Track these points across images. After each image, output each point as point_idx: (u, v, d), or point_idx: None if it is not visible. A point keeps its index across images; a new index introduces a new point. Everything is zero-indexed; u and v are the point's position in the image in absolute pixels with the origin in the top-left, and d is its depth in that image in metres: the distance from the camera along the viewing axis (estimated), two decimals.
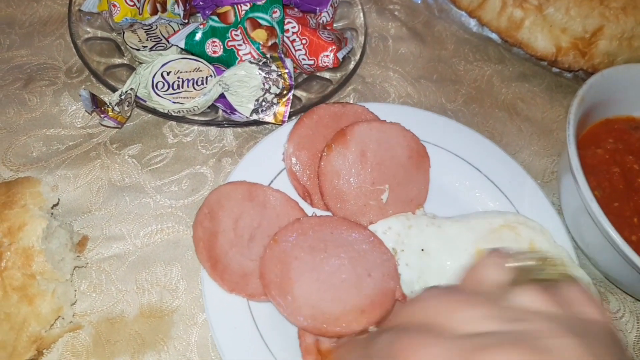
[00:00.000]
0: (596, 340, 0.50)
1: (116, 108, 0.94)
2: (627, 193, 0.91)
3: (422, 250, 0.89)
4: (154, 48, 1.07)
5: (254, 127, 1.07)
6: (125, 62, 1.10)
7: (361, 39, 1.21)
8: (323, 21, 1.20)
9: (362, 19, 1.24)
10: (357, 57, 1.18)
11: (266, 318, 0.83)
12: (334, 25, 1.25)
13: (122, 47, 1.12)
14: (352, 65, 1.16)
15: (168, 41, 1.07)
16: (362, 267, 0.85)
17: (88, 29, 1.12)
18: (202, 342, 0.83)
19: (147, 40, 1.09)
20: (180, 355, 0.81)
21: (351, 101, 1.17)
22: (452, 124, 1.06)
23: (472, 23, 1.32)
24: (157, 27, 1.11)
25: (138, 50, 1.07)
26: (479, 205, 0.98)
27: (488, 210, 0.95)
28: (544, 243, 0.88)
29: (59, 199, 0.90)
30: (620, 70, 0.99)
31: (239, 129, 1.07)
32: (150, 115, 1.06)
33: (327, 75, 1.15)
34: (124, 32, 1.09)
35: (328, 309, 0.80)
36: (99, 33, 1.13)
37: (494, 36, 1.29)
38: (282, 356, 0.79)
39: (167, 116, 1.01)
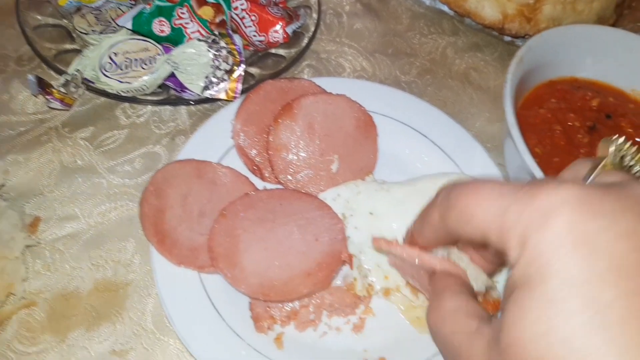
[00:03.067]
0: None
1: (62, 89, 0.95)
2: (568, 149, 0.94)
3: (371, 213, 0.91)
4: (103, 32, 1.08)
5: (207, 105, 1.09)
6: (77, 47, 1.11)
7: (315, 15, 1.23)
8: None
9: None
10: (311, 33, 1.19)
11: (218, 289, 0.84)
12: (287, 3, 1.26)
13: (73, 34, 1.13)
14: (305, 41, 1.18)
15: (117, 23, 1.07)
16: (310, 233, 0.87)
17: (38, 17, 1.13)
18: (157, 311, 0.85)
19: (96, 24, 1.10)
20: (135, 324, 0.83)
21: (306, 77, 1.18)
22: (399, 93, 1.08)
23: None
24: (106, 11, 1.12)
25: (87, 34, 1.07)
26: (427, 170, 1.00)
27: (435, 173, 0.97)
28: None
29: (6, 179, 0.91)
30: (560, 32, 1.01)
31: (192, 108, 1.08)
32: (102, 98, 1.07)
33: (281, 51, 1.17)
34: (73, 18, 1.10)
35: (275, 276, 0.82)
36: (50, 20, 1.14)
37: (446, 9, 1.31)
38: (236, 325, 0.81)
39: (118, 97, 1.02)
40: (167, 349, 0.82)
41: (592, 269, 0.39)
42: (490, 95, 1.21)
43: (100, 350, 0.80)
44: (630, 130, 0.98)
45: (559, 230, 0.40)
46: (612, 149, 0.53)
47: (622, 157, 0.53)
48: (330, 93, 1.01)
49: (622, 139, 0.53)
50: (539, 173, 0.81)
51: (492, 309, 0.81)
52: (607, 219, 0.40)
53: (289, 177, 0.95)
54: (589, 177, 0.51)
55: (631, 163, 0.53)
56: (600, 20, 1.22)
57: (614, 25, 1.26)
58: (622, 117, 0.99)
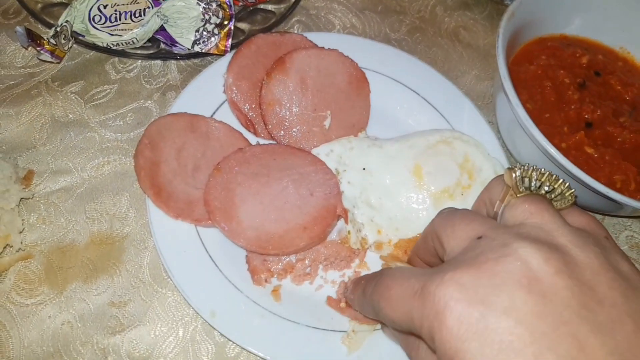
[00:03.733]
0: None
1: (52, 40, 0.94)
2: (558, 105, 0.96)
3: (364, 169, 0.93)
4: None
5: (197, 60, 1.08)
6: (63, 0, 1.08)
7: None
8: None
9: None
10: None
11: (216, 242, 0.86)
12: None
13: None
14: None
15: None
16: (304, 188, 0.88)
17: None
18: (154, 264, 0.86)
19: None
20: (133, 277, 0.84)
21: (296, 33, 1.17)
22: (391, 50, 1.08)
23: None
24: None
25: None
26: (419, 126, 1.01)
27: (426, 129, 0.98)
28: (477, 155, 0.92)
29: None
30: None
31: (182, 63, 1.07)
32: (92, 52, 1.06)
33: (270, 7, 1.16)
34: None
35: (272, 229, 0.83)
36: None
37: None
38: (234, 278, 0.83)
39: (107, 51, 1.01)
40: (165, 300, 0.83)
41: (489, 355, 0.46)
42: (479, 53, 1.22)
43: (99, 302, 0.82)
44: (619, 87, 1.00)
45: (452, 326, 0.48)
46: (515, 175, 0.60)
47: (530, 180, 0.60)
48: (323, 48, 1.00)
49: (525, 166, 0.61)
50: (532, 126, 0.83)
51: None
52: (485, 304, 0.48)
53: (282, 133, 0.96)
54: (500, 208, 0.60)
55: (538, 185, 0.60)
56: None
57: None
58: (611, 74, 1.01)
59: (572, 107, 0.96)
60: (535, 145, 0.85)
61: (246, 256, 0.85)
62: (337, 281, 0.86)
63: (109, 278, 0.84)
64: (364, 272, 0.87)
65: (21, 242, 0.83)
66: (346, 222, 0.88)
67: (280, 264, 0.85)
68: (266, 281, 0.83)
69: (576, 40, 1.08)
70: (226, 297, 0.80)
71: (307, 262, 0.85)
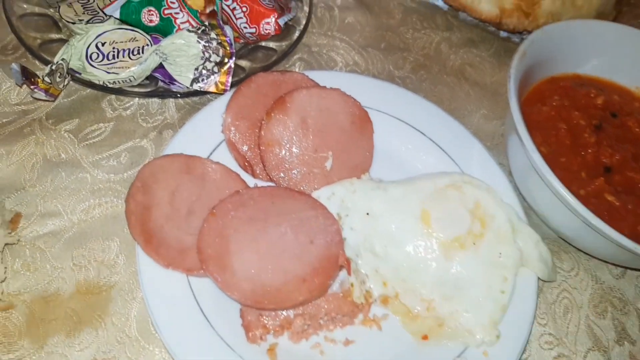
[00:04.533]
0: None
1: (47, 79, 0.91)
2: (574, 148, 0.91)
3: (367, 214, 0.87)
4: (90, 21, 1.03)
5: (196, 98, 1.05)
6: (63, 37, 1.06)
7: (306, 8, 1.19)
8: None
9: None
10: (302, 26, 1.16)
11: (208, 294, 0.80)
12: None
13: (60, 23, 1.08)
14: (297, 34, 1.14)
15: (104, 12, 1.03)
16: (304, 235, 0.83)
17: (24, 5, 1.08)
18: (142, 317, 0.80)
19: (83, 13, 1.04)
20: (119, 331, 0.79)
21: (298, 70, 1.14)
22: (395, 89, 1.05)
23: None
24: (94, 1, 1.07)
25: (74, 23, 1.02)
26: (425, 168, 0.97)
27: (434, 172, 0.94)
28: (489, 201, 0.87)
29: None
30: (561, 26, 0.98)
31: (180, 101, 1.04)
32: (88, 90, 1.03)
33: (271, 44, 1.13)
34: (59, 7, 1.05)
35: (268, 281, 0.78)
36: (36, 9, 1.09)
37: (440, 3, 1.28)
38: (226, 334, 0.77)
39: (104, 89, 0.98)
40: (152, 358, 0.77)
41: None
42: (487, 91, 1.18)
43: (82, 359, 0.76)
44: (637, 129, 0.95)
45: None
46: None
47: None
48: (324, 87, 0.97)
49: None
50: (549, 173, 0.78)
51: None
52: None
53: (282, 175, 0.91)
54: None
55: None
56: (600, 16, 1.19)
57: (613, 21, 1.23)
58: (628, 115, 0.97)
59: (589, 150, 0.91)
60: (553, 193, 0.80)
61: (240, 310, 0.80)
62: (336, 340, 0.80)
63: (93, 332, 0.78)
64: (368, 331, 0.81)
65: (2, 292, 0.78)
66: (349, 273, 0.82)
67: (277, 319, 0.79)
68: (261, 338, 0.77)
69: (590, 79, 1.04)
70: (218, 356, 0.74)
71: (306, 317, 0.79)
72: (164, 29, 1.01)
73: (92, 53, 0.97)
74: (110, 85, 0.96)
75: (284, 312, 0.79)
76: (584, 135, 0.93)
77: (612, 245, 0.76)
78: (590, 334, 0.89)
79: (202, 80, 0.98)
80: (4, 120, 0.97)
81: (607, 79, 1.04)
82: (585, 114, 0.95)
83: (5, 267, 0.81)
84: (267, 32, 1.06)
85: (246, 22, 1.06)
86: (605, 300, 0.93)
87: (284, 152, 0.91)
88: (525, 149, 0.81)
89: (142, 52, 0.98)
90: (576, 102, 0.98)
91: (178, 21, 1.01)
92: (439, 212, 0.87)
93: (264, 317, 0.78)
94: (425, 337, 0.81)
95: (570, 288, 0.93)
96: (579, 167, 0.90)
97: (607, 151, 0.90)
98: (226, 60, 0.98)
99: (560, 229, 0.92)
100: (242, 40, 1.11)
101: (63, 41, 1.05)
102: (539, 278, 0.86)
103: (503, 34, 1.22)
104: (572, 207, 0.77)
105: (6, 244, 0.82)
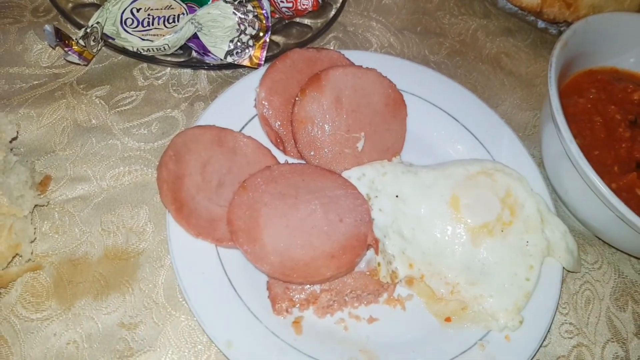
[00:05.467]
0: None
1: (81, 42, 0.90)
2: (608, 142, 0.90)
3: (397, 196, 0.87)
4: None
5: (228, 72, 1.04)
6: (95, 1, 1.05)
7: None
8: None
9: None
10: (339, 4, 1.14)
11: (236, 265, 0.80)
12: None
13: None
14: (333, 12, 1.13)
15: None
16: (334, 213, 0.82)
17: None
18: (170, 284, 0.81)
19: None
20: (146, 296, 0.79)
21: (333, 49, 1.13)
22: (431, 73, 1.03)
23: None
24: None
25: None
26: (456, 155, 0.96)
27: (465, 159, 0.93)
28: (520, 190, 0.86)
29: (17, 133, 0.86)
30: (605, 18, 0.96)
31: (213, 73, 1.03)
32: (120, 56, 1.02)
33: (307, 21, 1.12)
34: None
35: (297, 255, 0.78)
36: None
37: None
38: (253, 305, 0.77)
39: (137, 56, 0.97)
40: (178, 325, 0.78)
41: None
42: (522, 81, 1.16)
43: (108, 322, 0.76)
44: None
45: None
46: None
47: None
48: (360, 66, 0.96)
49: None
50: (584, 163, 0.77)
51: None
52: None
53: (313, 153, 0.91)
54: None
55: None
56: None
57: None
58: None
59: (623, 145, 0.90)
60: (586, 184, 0.79)
61: (267, 282, 0.80)
62: (362, 317, 0.80)
63: (120, 296, 0.79)
64: (392, 310, 0.81)
65: (31, 252, 0.78)
66: (376, 252, 0.82)
67: (303, 293, 0.79)
68: (287, 311, 0.77)
69: (628, 74, 1.02)
70: (244, 326, 0.75)
71: (332, 293, 0.79)
72: None
73: (127, 18, 0.96)
74: (144, 53, 0.95)
75: (311, 287, 0.79)
76: (619, 129, 0.92)
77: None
78: (610, 325, 0.89)
79: (237, 53, 0.97)
80: (35, 83, 0.97)
81: None
82: (621, 109, 0.94)
83: (35, 228, 0.81)
84: (304, 7, 1.05)
85: None
86: (627, 294, 0.93)
87: (316, 130, 0.91)
88: (562, 138, 0.80)
89: (178, 21, 0.97)
90: (613, 96, 0.96)
91: None
92: (469, 198, 0.86)
93: (291, 291, 0.79)
94: (448, 319, 0.81)
95: (593, 280, 0.93)
96: (612, 161, 0.89)
97: None
98: (262, 34, 0.97)
99: (589, 220, 0.91)
100: (277, 15, 1.10)
101: (96, 6, 1.04)
102: (563, 268, 0.86)
103: (541, 24, 1.20)
104: (605, 197, 0.77)
105: (36, 206, 0.82)
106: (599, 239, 0.96)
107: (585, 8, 1.10)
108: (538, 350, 0.79)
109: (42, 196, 0.84)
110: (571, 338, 0.87)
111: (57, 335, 0.74)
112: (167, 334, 0.77)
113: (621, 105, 0.94)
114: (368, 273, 0.82)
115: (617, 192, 0.85)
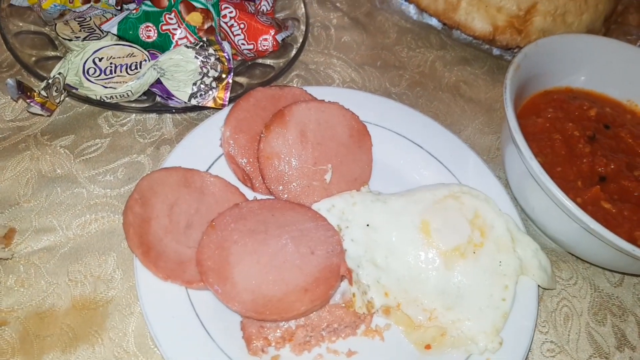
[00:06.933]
0: None
1: (43, 92, 0.90)
2: (570, 158, 0.92)
3: (368, 225, 0.87)
4: (87, 38, 1.03)
5: (193, 114, 1.05)
6: (59, 54, 1.06)
7: (303, 27, 1.20)
8: (263, 10, 1.18)
9: (303, 9, 1.24)
10: (299, 43, 1.17)
11: (208, 306, 0.79)
12: (275, 15, 1.24)
13: (56, 41, 1.08)
14: (294, 52, 1.15)
15: (101, 30, 1.03)
16: (305, 246, 0.82)
17: (20, 23, 1.08)
18: (140, 331, 0.79)
19: (80, 30, 1.05)
20: (116, 346, 0.77)
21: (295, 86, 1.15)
22: (393, 104, 1.06)
23: (412, 12, 1.33)
24: (90, 18, 1.07)
25: (71, 40, 1.03)
26: (423, 180, 0.97)
27: (432, 184, 0.94)
28: (488, 211, 0.87)
29: None
30: (554, 40, 1.00)
31: (178, 117, 1.04)
32: (85, 106, 1.02)
33: (269, 61, 1.14)
34: (55, 25, 1.05)
35: (270, 292, 0.76)
36: (32, 27, 1.09)
37: (434, 23, 1.30)
38: (227, 347, 0.75)
39: (101, 104, 0.97)
40: None
41: None
42: (482, 107, 1.20)
43: None
44: (630, 140, 0.96)
45: None
46: None
47: None
48: (323, 100, 0.97)
49: None
50: (547, 180, 0.79)
51: None
52: None
53: (281, 187, 0.91)
54: None
55: None
56: (590, 33, 1.22)
57: None
58: (621, 127, 0.98)
59: (584, 160, 0.92)
60: (552, 200, 0.81)
61: (241, 322, 0.78)
62: (340, 351, 0.78)
63: (89, 348, 0.76)
64: (370, 342, 0.80)
65: None
66: (350, 283, 0.81)
67: (278, 331, 0.78)
68: (263, 351, 0.76)
69: (582, 93, 1.06)
70: None
71: (308, 329, 0.78)
72: (162, 44, 1.01)
73: (89, 68, 0.96)
74: (107, 100, 0.96)
75: (286, 324, 0.78)
76: (579, 145, 0.94)
77: (610, 250, 0.77)
78: (591, 341, 0.89)
79: (200, 95, 0.98)
80: None
81: (598, 92, 1.06)
82: (579, 125, 0.97)
83: None
84: (265, 48, 1.07)
85: (244, 39, 1.07)
86: (605, 308, 0.93)
87: (283, 164, 0.91)
88: (523, 157, 0.81)
89: (140, 67, 0.98)
90: (570, 114, 0.99)
91: (176, 37, 1.01)
92: (438, 222, 0.87)
93: (266, 329, 0.77)
94: (428, 347, 0.80)
95: (570, 296, 0.93)
96: (575, 176, 0.91)
97: (602, 161, 0.91)
98: (224, 75, 0.99)
99: (558, 236, 0.92)
100: (239, 58, 1.12)
101: (59, 58, 1.05)
102: (539, 286, 0.86)
103: (496, 51, 1.24)
104: (571, 212, 0.78)
105: (0, 259, 0.80)
106: (572, 254, 0.97)
107: (536, 33, 1.14)
108: None
109: (6, 249, 0.82)
110: (553, 357, 0.86)
111: None
112: None
113: (579, 122, 0.97)
114: (343, 305, 0.81)
115: (583, 206, 0.86)
